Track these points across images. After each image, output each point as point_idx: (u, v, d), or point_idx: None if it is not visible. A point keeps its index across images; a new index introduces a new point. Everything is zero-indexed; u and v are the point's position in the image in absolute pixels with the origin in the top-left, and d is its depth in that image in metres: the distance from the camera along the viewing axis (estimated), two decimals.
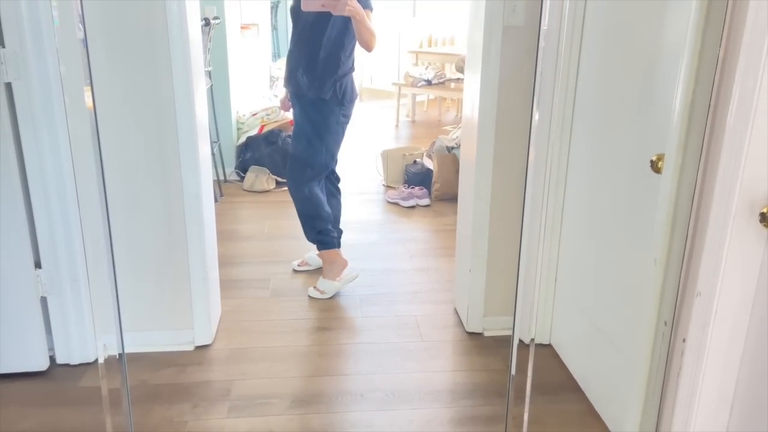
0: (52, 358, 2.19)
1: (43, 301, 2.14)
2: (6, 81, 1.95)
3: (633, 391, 1.72)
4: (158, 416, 1.95)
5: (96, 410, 1.97)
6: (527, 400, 1.80)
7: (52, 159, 2.03)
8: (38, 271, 2.11)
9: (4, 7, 1.89)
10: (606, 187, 1.96)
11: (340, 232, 2.92)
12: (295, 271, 3.01)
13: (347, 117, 2.70)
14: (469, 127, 2.41)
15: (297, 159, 2.71)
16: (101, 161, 1.50)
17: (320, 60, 2.54)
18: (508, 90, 2.22)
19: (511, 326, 2.52)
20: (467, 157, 2.47)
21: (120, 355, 1.74)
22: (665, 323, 1.61)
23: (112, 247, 1.65)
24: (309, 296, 2.76)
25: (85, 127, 1.82)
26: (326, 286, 2.76)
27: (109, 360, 2.27)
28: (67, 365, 2.20)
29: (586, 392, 2.09)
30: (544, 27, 1.50)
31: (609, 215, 1.95)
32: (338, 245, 2.86)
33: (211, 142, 4.11)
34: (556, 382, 2.17)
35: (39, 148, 2.01)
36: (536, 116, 1.85)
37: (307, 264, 3.03)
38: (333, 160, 2.77)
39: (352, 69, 2.66)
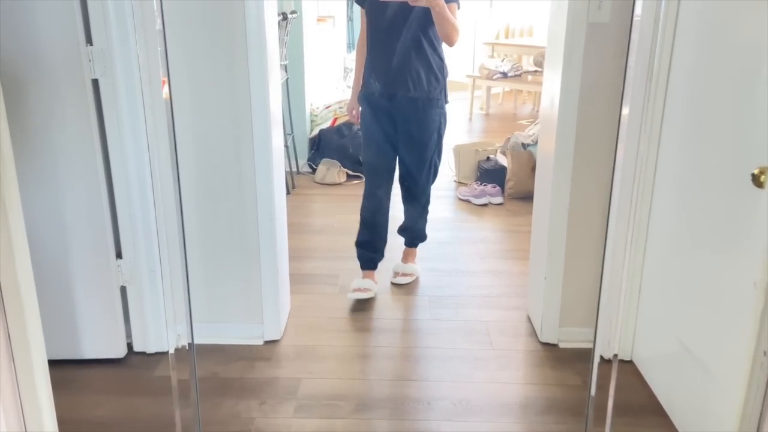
0: (129, 347, 2.27)
1: (123, 290, 2.21)
2: (93, 77, 2.01)
3: (726, 422, 1.59)
4: (227, 411, 1.98)
5: (169, 400, 2.02)
6: (608, 421, 1.69)
7: (134, 153, 2.09)
8: (119, 261, 2.18)
9: (92, 6, 1.94)
10: (699, 199, 1.81)
11: None
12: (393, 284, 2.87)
13: None
14: (548, 125, 2.29)
15: (435, 168, 2.74)
16: (176, 152, 1.51)
17: (429, 55, 2.48)
18: (590, 88, 2.09)
19: (590, 339, 2.40)
20: (545, 156, 2.35)
21: (189, 345, 1.76)
22: (765, 353, 1.47)
23: (185, 238, 1.68)
24: (393, 283, 2.84)
25: (164, 121, 1.85)
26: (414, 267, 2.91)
27: (180, 351, 2.32)
28: (143, 353, 2.27)
29: (670, 415, 1.96)
30: (636, 17, 1.39)
31: (701, 229, 1.80)
32: None
33: (285, 135, 4.15)
34: (638, 402, 2.04)
35: (122, 142, 2.07)
36: (625, 111, 1.73)
37: (404, 274, 2.88)
38: None
39: None
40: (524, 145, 4.05)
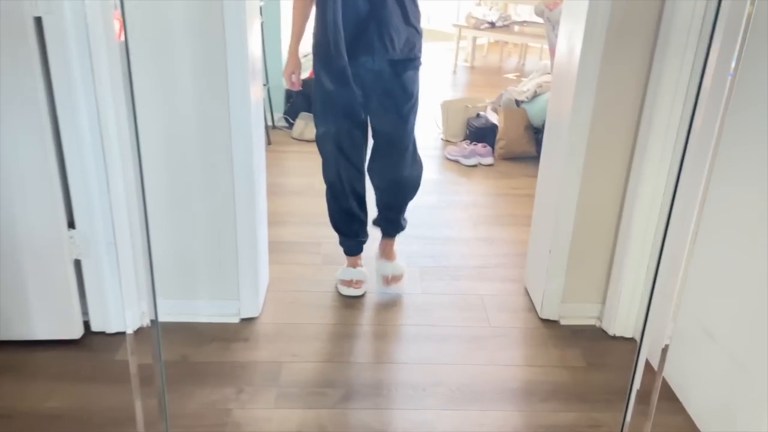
0: (87, 326, 2.02)
1: (77, 264, 1.95)
2: (35, 15, 1.70)
3: (755, 413, 1.43)
4: (199, 401, 1.76)
5: (131, 389, 1.79)
6: (629, 410, 1.51)
7: (87, 105, 1.79)
8: (71, 231, 1.91)
9: None
10: (739, 179, 1.61)
11: None
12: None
13: None
14: (563, 79, 2.05)
15: (411, 142, 2.24)
16: (133, 104, 1.23)
17: (408, 7, 2.01)
18: (617, 36, 1.84)
19: (594, 316, 2.24)
20: (556, 114, 2.12)
21: (153, 322, 1.50)
22: None
23: (146, 202, 1.41)
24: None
25: (120, 67, 1.56)
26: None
27: (144, 331, 2.09)
28: (102, 333, 2.03)
29: (683, 401, 1.81)
30: None
31: (739, 212, 1.60)
32: None
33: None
34: (647, 386, 1.88)
35: (72, 92, 1.77)
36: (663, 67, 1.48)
37: (395, 278, 2.37)
38: None
39: None
40: (518, 102, 3.81)
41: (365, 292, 2.32)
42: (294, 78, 2.18)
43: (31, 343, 1.93)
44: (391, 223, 2.39)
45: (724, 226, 1.66)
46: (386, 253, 2.41)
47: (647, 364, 1.99)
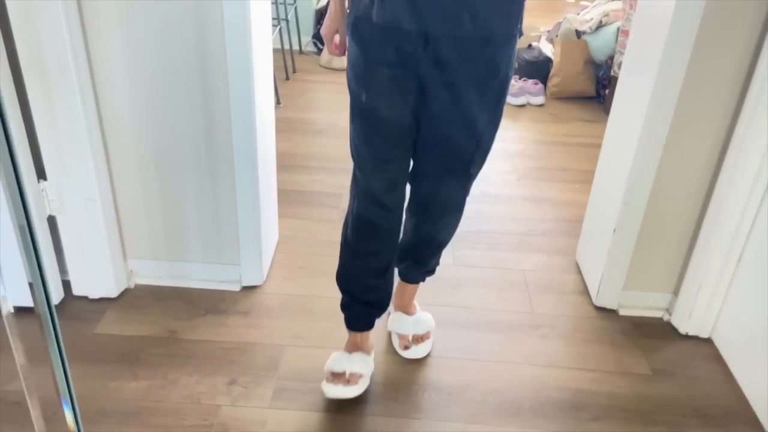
0: (70, 290, 1.76)
1: (51, 221, 1.67)
2: None
3: None
4: (184, 392, 1.50)
5: (115, 369, 1.54)
6: None
7: (49, 26, 1.44)
8: (43, 183, 1.61)
9: None
10: None
11: None
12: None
13: None
14: (652, 12, 1.60)
15: (486, 150, 1.38)
16: None
17: None
18: None
19: (661, 307, 1.88)
20: (638, 54, 1.68)
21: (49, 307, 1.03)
22: None
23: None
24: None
25: None
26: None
27: (131, 293, 1.82)
28: (86, 299, 1.77)
29: (762, 421, 1.48)
30: None
31: None
32: None
33: (286, 4, 3.39)
34: (721, 401, 1.55)
35: (30, 10, 1.42)
36: None
37: (420, 339, 1.66)
38: None
39: None
40: (579, 33, 3.29)
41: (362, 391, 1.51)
42: (338, 40, 1.39)
43: None
44: (419, 266, 1.63)
45: None
46: (405, 303, 1.69)
47: (724, 368, 1.66)
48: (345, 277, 1.51)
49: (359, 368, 1.50)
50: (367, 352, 1.55)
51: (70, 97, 1.51)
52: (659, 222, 1.71)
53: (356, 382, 1.48)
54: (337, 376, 1.48)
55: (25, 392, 0.88)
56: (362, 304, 1.52)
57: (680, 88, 1.53)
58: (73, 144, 1.57)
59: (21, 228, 0.74)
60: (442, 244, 1.59)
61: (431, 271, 1.67)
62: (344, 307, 1.54)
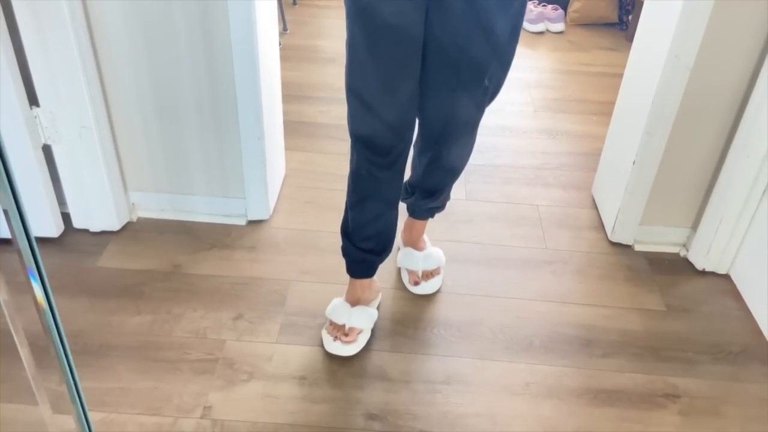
0: (69, 222, 1.73)
1: (47, 150, 1.61)
2: None
3: None
4: (189, 326, 1.48)
5: (118, 303, 1.52)
6: None
7: None
8: (36, 109, 1.54)
9: None
10: None
11: None
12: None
13: None
14: None
15: (505, 63, 1.27)
16: None
17: None
18: None
19: (678, 242, 1.81)
20: None
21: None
22: None
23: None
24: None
25: None
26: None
27: (134, 226, 1.78)
28: (86, 232, 1.73)
29: None
30: None
31: None
32: None
33: None
34: (738, 337, 1.51)
35: None
36: None
37: (429, 274, 1.61)
38: None
39: None
40: None
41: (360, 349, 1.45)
42: None
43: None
44: (430, 201, 1.55)
45: None
46: (414, 239, 1.65)
47: (742, 305, 1.61)
48: (344, 221, 1.44)
49: (359, 322, 1.43)
50: (368, 302, 1.49)
51: (60, 17, 1.42)
52: (681, 153, 1.63)
53: (355, 339, 1.42)
54: (336, 328, 1.43)
55: (11, 327, 0.84)
56: (365, 250, 1.43)
57: (712, 7, 1.41)
58: (64, 68, 1.49)
59: None
60: (455, 173, 1.49)
61: (440, 207, 1.60)
62: (345, 252, 1.47)
